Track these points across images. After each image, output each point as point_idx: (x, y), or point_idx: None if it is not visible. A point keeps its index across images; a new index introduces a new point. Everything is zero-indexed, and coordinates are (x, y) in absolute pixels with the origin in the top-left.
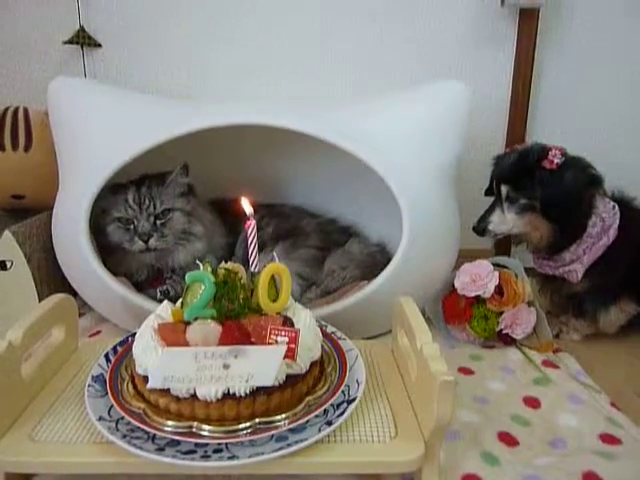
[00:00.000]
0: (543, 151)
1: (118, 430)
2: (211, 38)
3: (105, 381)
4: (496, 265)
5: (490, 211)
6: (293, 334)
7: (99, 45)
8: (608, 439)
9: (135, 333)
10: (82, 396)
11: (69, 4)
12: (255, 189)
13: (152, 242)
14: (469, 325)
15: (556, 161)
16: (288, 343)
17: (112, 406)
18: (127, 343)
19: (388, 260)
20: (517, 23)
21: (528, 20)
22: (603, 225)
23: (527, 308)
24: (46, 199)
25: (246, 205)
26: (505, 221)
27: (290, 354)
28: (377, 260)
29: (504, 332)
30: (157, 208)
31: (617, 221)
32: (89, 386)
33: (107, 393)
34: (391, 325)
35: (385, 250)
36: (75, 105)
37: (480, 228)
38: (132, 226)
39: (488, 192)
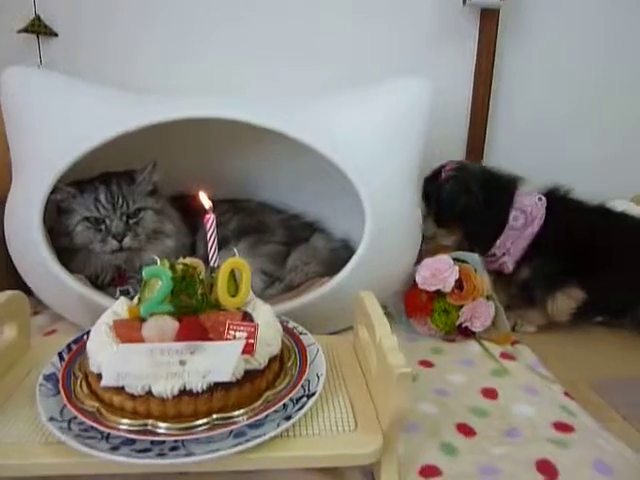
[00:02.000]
0: (440, 169)
1: (70, 430)
2: (176, 29)
3: (58, 380)
4: (456, 260)
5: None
6: (252, 329)
7: (55, 34)
8: (561, 427)
9: (89, 331)
10: (33, 396)
11: None
12: (219, 185)
13: (127, 241)
14: (430, 319)
15: (443, 177)
16: (247, 338)
17: (64, 406)
18: (82, 341)
19: (351, 255)
20: (478, 23)
21: (489, 20)
22: (526, 217)
23: (486, 302)
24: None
25: (204, 199)
26: (429, 227)
27: (249, 349)
28: (341, 256)
29: (464, 325)
30: (130, 207)
31: (542, 212)
32: (41, 385)
33: (59, 392)
34: (350, 323)
35: (349, 246)
36: (28, 96)
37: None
38: (104, 226)
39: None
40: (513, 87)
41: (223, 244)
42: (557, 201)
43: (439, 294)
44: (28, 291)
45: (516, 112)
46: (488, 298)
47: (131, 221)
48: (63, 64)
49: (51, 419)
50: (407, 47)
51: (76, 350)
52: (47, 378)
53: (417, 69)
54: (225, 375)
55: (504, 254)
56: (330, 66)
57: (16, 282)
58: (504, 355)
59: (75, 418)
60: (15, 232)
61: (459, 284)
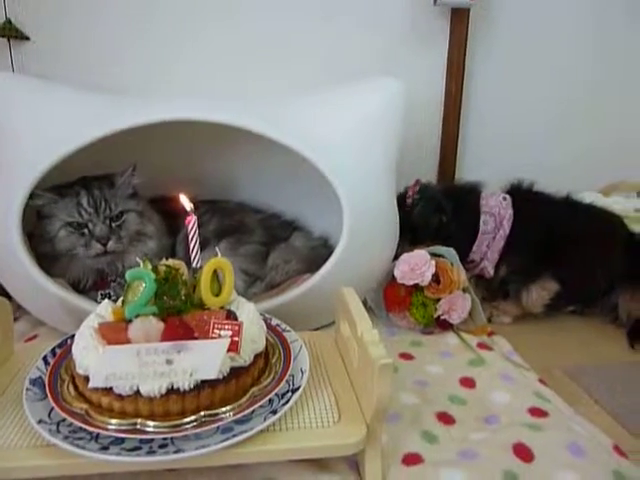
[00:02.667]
0: (404, 193)
1: (59, 432)
2: (148, 30)
3: (44, 384)
4: (433, 254)
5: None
6: (236, 327)
7: (27, 38)
8: (536, 412)
9: (74, 335)
10: (20, 401)
11: None
12: (198, 186)
13: (111, 245)
14: (409, 312)
15: (408, 202)
16: (231, 336)
17: (52, 408)
18: (66, 345)
19: (330, 253)
20: (449, 22)
21: (459, 20)
22: (495, 220)
23: (462, 294)
24: None
25: (185, 201)
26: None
27: (234, 347)
28: (320, 253)
29: (442, 318)
30: (113, 210)
31: (509, 210)
32: (27, 390)
33: (47, 396)
34: (333, 317)
35: (328, 244)
36: (4, 100)
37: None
38: (86, 230)
39: None
40: (484, 85)
41: (204, 245)
42: (522, 196)
43: (417, 288)
44: (7, 296)
45: (487, 109)
46: (464, 291)
47: (114, 224)
48: (36, 68)
49: (40, 422)
50: (379, 46)
51: (61, 354)
52: (33, 382)
53: (389, 68)
54: (211, 373)
55: (482, 259)
56: (304, 66)
57: None
58: (481, 345)
59: (64, 420)
60: None
61: (436, 278)
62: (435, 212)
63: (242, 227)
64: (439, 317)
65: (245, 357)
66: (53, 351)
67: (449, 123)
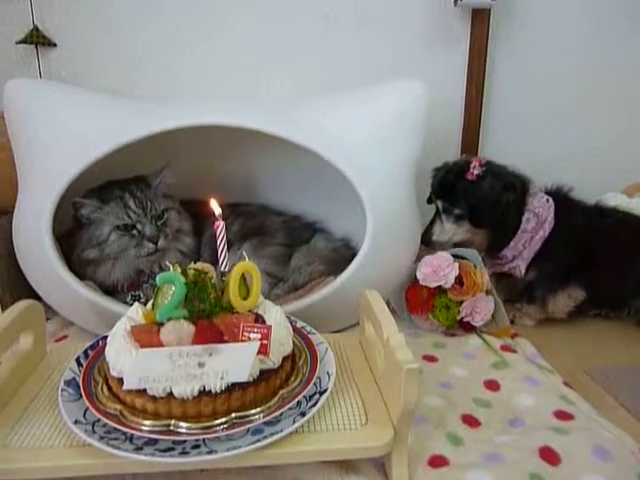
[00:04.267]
0: (466, 164)
1: (95, 432)
2: (173, 36)
3: (78, 385)
4: (455, 256)
5: (432, 222)
6: (265, 331)
7: (54, 44)
8: (562, 415)
9: (105, 336)
10: (54, 401)
11: (22, 2)
12: (219, 189)
13: (161, 243)
14: (432, 314)
15: (475, 172)
16: (260, 339)
17: (87, 409)
18: (97, 346)
19: (353, 255)
20: (470, 22)
21: (480, 20)
22: (537, 220)
23: (485, 297)
24: (5, 203)
25: (215, 206)
26: (445, 230)
27: (263, 350)
28: (342, 255)
29: (465, 320)
30: (157, 209)
31: (552, 213)
32: (62, 390)
33: (81, 396)
34: (356, 318)
35: (349, 245)
36: (32, 107)
37: (425, 239)
38: (136, 231)
39: (430, 201)
40: (505, 85)
41: (228, 247)
42: (561, 202)
43: (440, 290)
44: (37, 298)
45: (508, 110)
46: (487, 293)
47: (159, 223)
48: (62, 74)
49: (76, 422)
50: (399, 48)
51: (93, 355)
52: (68, 383)
53: (410, 69)
54: (242, 375)
55: (514, 257)
56: (323, 69)
57: (25, 289)
58: (504, 348)
59: (98, 421)
60: (24, 243)
61: (459, 280)
62: (506, 189)
63: (264, 229)
64: (462, 319)
65: (274, 359)
66: (85, 353)
67: (470, 124)
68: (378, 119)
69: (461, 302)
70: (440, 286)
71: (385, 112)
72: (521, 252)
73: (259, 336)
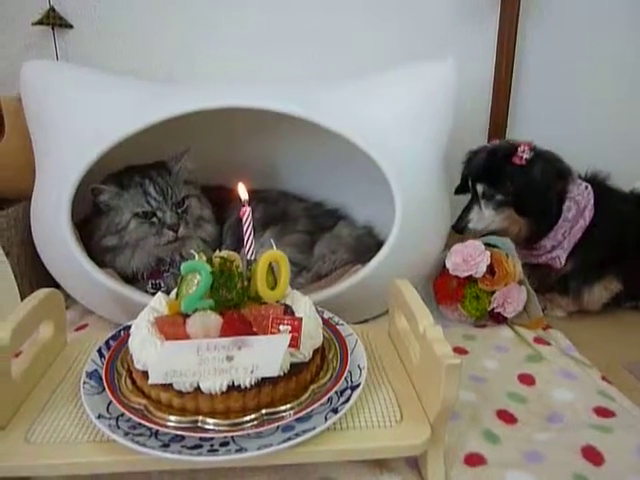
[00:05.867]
0: (512, 148)
1: (119, 428)
2: (192, 16)
3: (100, 377)
4: (487, 245)
5: (468, 209)
6: (296, 322)
7: (71, 26)
8: (602, 412)
9: (127, 326)
10: (76, 394)
11: None
12: (239, 175)
13: (181, 231)
14: (461, 305)
15: (525, 157)
16: (291, 332)
17: (110, 403)
18: (120, 337)
19: (376, 242)
20: (500, 1)
21: None
22: (578, 208)
23: (518, 287)
24: (23, 188)
25: (242, 191)
26: (483, 218)
27: (294, 343)
28: (366, 243)
29: (496, 311)
30: (177, 196)
31: (591, 201)
32: (84, 383)
33: (104, 389)
34: (383, 308)
35: (373, 232)
36: (50, 89)
37: (460, 226)
38: (156, 219)
39: (459, 190)
40: (536, 65)
41: None
42: (598, 190)
43: (470, 280)
44: (56, 286)
45: (539, 91)
46: (520, 283)
47: (179, 210)
48: (79, 56)
49: (99, 417)
50: (428, 27)
51: (116, 346)
52: (90, 375)
53: (438, 49)
54: (273, 370)
55: (554, 248)
56: (352, 50)
57: (45, 278)
58: (538, 340)
59: (122, 415)
60: (42, 229)
61: (490, 269)
62: (559, 176)
63: (286, 216)
64: (493, 310)
65: (305, 353)
66: (107, 343)
67: (498, 104)
68: (407, 100)
69: (492, 292)
70: (470, 276)
71: (414, 93)
72: (561, 242)
73: (289, 328)
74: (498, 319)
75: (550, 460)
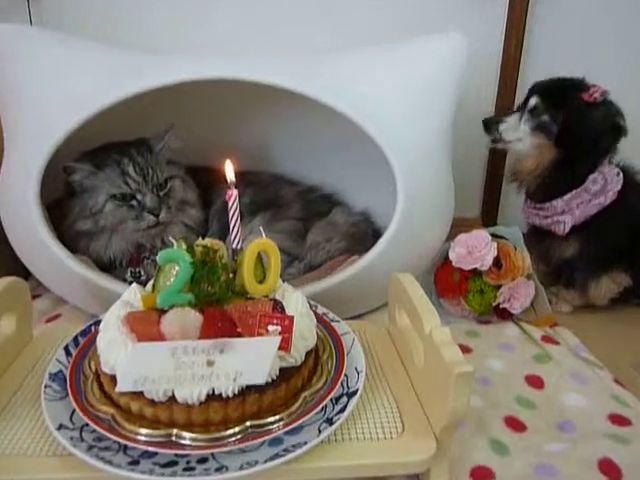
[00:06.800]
0: (585, 86)
1: (83, 440)
2: None
3: (65, 379)
4: (493, 235)
5: (508, 114)
6: (287, 322)
7: None
8: (618, 420)
9: (99, 320)
10: (38, 397)
11: None
12: (229, 155)
13: (162, 215)
14: (464, 299)
15: (595, 96)
16: (281, 333)
17: (74, 411)
18: (90, 332)
19: (373, 231)
20: None
21: None
22: (604, 185)
23: (526, 281)
24: None
25: (230, 171)
26: (518, 130)
27: (284, 345)
28: (362, 231)
29: (501, 307)
30: (159, 178)
31: (618, 186)
32: (46, 387)
33: (68, 394)
34: (381, 301)
35: (370, 220)
36: (22, 57)
37: (492, 121)
38: (135, 202)
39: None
40: (545, 43)
41: None
42: (625, 180)
43: (475, 273)
44: (26, 273)
45: (549, 70)
46: (528, 277)
47: (161, 193)
48: (56, 22)
49: (60, 427)
50: (436, 2)
51: (84, 343)
52: (53, 377)
53: (445, 24)
54: (260, 377)
55: (564, 212)
56: (354, 23)
57: (13, 264)
58: (545, 339)
59: (87, 425)
60: (11, 210)
61: (497, 262)
62: (616, 132)
63: (278, 201)
64: (498, 305)
65: (296, 356)
66: (75, 340)
67: (506, 84)
68: (411, 77)
69: (498, 287)
70: (475, 269)
71: (419, 69)
72: (572, 209)
73: (279, 329)
74: (503, 315)
75: (563, 475)
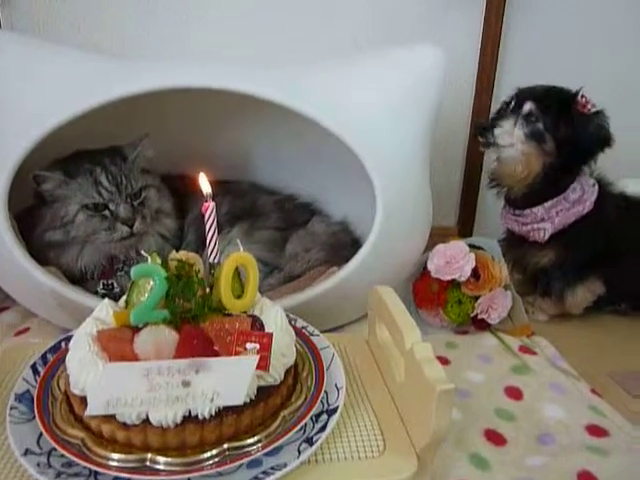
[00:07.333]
0: (574, 95)
1: (50, 466)
2: None
3: (32, 400)
4: (471, 246)
5: (502, 117)
6: (265, 340)
7: None
8: (595, 431)
9: (70, 336)
10: (3, 419)
11: None
12: (205, 164)
13: (137, 226)
14: (442, 310)
15: (588, 107)
16: (259, 351)
17: (42, 434)
18: (60, 349)
19: (352, 240)
20: None
21: None
22: (582, 194)
23: (503, 292)
24: None
25: (204, 183)
26: (512, 135)
27: (262, 364)
28: (341, 241)
29: (479, 317)
30: (134, 187)
31: (594, 197)
32: (12, 409)
33: (35, 417)
34: (360, 312)
35: (348, 229)
36: None
37: (487, 125)
38: (108, 212)
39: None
40: (521, 53)
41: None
42: (604, 191)
43: (453, 284)
44: None
45: (522, 81)
46: (506, 288)
47: (135, 203)
48: (27, 25)
49: (27, 452)
50: (412, 12)
51: (53, 361)
52: (19, 398)
53: (423, 34)
54: (237, 397)
55: (543, 219)
56: (332, 33)
57: None
58: (523, 349)
59: (55, 450)
60: None
61: (474, 273)
62: (604, 143)
63: (256, 210)
64: (476, 316)
65: (275, 375)
66: (44, 357)
67: (482, 97)
68: (392, 89)
69: (476, 297)
70: (453, 279)
71: (400, 82)
72: (552, 217)
73: (257, 346)
74: (481, 325)
75: None
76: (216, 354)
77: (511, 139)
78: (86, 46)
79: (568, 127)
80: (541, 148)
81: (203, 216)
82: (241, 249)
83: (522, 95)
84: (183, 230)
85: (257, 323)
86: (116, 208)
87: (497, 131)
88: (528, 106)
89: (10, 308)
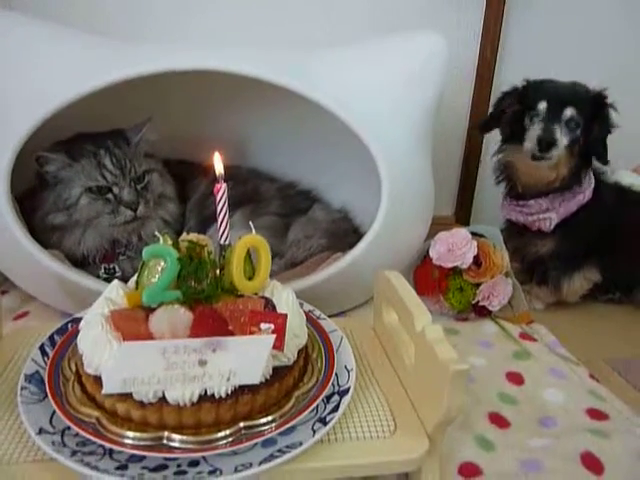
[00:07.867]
0: (605, 96)
1: (65, 445)
2: None
3: (43, 381)
4: (472, 234)
5: (554, 128)
6: (280, 320)
7: None
8: (595, 414)
9: (75, 318)
10: (12, 401)
11: None
12: (206, 149)
13: (141, 210)
14: (444, 297)
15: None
16: (274, 331)
17: (54, 413)
18: (67, 331)
19: (353, 228)
20: None
21: None
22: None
23: (504, 279)
24: None
25: (218, 164)
26: (560, 147)
27: (278, 344)
28: (342, 228)
29: (480, 304)
30: (137, 171)
31: (592, 186)
32: (22, 389)
33: (47, 396)
34: (363, 298)
35: (348, 217)
36: None
37: (553, 140)
38: (111, 195)
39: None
40: (521, 47)
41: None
42: (598, 180)
43: (455, 271)
44: None
45: (522, 76)
46: (506, 275)
47: (139, 186)
48: (27, 4)
49: (41, 432)
50: (413, 3)
51: (62, 342)
52: (29, 379)
53: (423, 26)
54: (254, 377)
55: (549, 209)
56: (335, 21)
57: None
58: (523, 336)
59: (69, 428)
60: None
61: (476, 260)
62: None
63: (258, 196)
64: (477, 303)
65: (289, 355)
66: (51, 339)
67: (481, 88)
68: (396, 75)
69: (477, 285)
70: (455, 267)
71: (402, 67)
72: (556, 208)
73: (272, 327)
74: (482, 313)
75: (548, 470)
76: (231, 334)
77: (558, 151)
78: (88, 28)
79: (602, 129)
80: (572, 151)
81: (206, 199)
82: (253, 231)
83: (556, 99)
84: (185, 216)
85: (269, 304)
86: (120, 191)
87: (559, 140)
88: (569, 112)
89: (9, 292)
